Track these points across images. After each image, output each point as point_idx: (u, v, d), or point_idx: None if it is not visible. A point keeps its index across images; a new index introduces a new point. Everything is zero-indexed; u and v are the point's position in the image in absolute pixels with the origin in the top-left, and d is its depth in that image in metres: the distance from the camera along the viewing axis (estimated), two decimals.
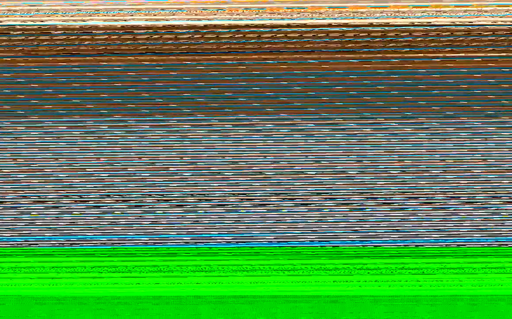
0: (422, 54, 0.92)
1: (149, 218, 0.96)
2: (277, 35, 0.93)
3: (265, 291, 0.95)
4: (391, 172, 0.94)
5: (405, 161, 0.94)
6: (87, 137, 0.95)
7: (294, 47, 0.93)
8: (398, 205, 0.95)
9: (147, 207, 0.96)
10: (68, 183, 0.95)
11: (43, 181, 0.95)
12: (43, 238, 0.96)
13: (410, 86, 0.93)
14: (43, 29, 0.93)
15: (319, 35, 0.92)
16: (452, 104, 0.93)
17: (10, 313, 0.95)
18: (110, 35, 0.93)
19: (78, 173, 0.95)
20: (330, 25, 0.92)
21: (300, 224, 0.95)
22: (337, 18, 0.92)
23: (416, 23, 0.92)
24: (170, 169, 0.95)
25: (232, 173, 0.95)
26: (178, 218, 0.96)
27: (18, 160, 0.95)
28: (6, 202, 0.96)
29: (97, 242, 0.96)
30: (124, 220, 0.96)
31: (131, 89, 0.94)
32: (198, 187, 0.95)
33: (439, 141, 0.94)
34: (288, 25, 0.92)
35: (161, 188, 0.95)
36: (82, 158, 0.95)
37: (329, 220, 0.95)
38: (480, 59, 0.92)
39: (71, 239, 0.96)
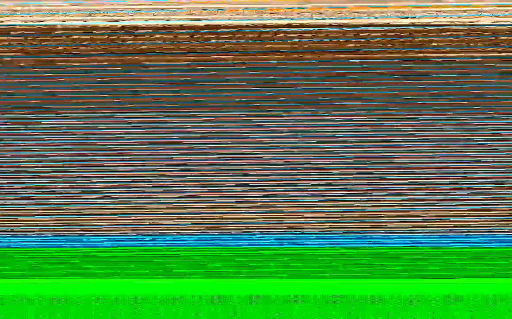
0: (422, 54, 0.92)
1: (150, 218, 0.96)
2: (277, 35, 0.93)
3: (265, 291, 0.95)
4: (392, 171, 0.94)
5: (405, 161, 0.94)
6: (87, 137, 0.95)
7: (294, 47, 0.93)
8: (398, 205, 0.95)
9: (148, 207, 0.96)
10: (69, 182, 0.95)
11: (43, 180, 0.95)
12: (43, 238, 0.96)
13: (410, 86, 0.93)
14: (43, 29, 0.94)
15: (319, 35, 0.92)
16: (452, 105, 0.93)
17: (10, 313, 0.95)
18: (110, 35, 0.93)
19: (79, 171, 0.95)
20: (330, 25, 0.92)
21: (299, 223, 0.95)
22: (337, 18, 0.92)
23: (416, 23, 0.92)
24: (170, 168, 0.95)
25: (232, 173, 0.95)
26: (177, 218, 0.96)
27: (18, 159, 0.95)
28: (6, 201, 0.96)
29: (97, 242, 0.96)
30: (124, 220, 0.96)
31: (131, 89, 0.94)
32: (198, 187, 0.95)
33: (439, 141, 0.94)
34: (288, 25, 0.92)
35: (161, 187, 0.95)
36: (82, 158, 0.95)
37: (328, 220, 0.95)
38: (480, 59, 0.92)
39: (72, 239, 0.96)
